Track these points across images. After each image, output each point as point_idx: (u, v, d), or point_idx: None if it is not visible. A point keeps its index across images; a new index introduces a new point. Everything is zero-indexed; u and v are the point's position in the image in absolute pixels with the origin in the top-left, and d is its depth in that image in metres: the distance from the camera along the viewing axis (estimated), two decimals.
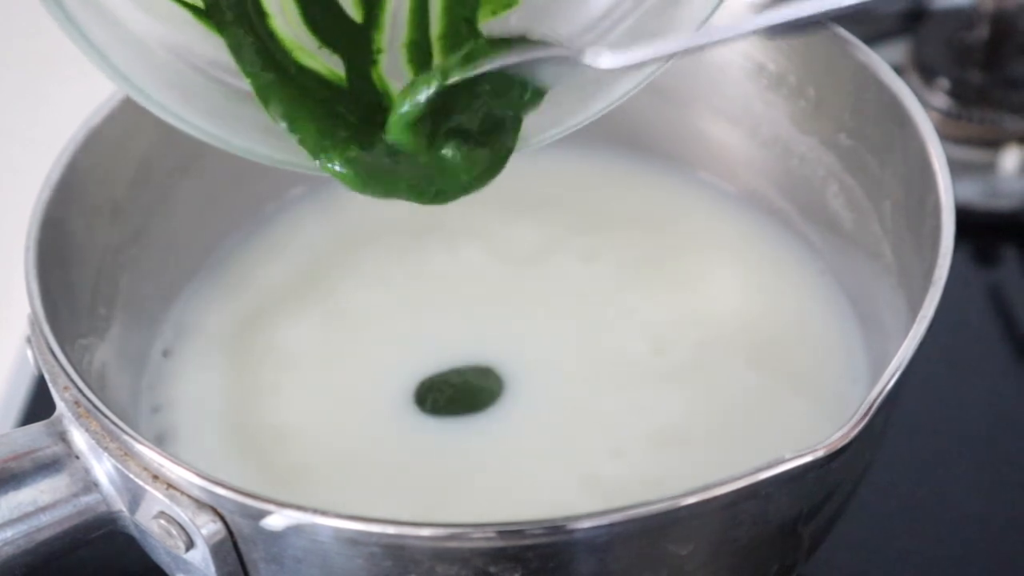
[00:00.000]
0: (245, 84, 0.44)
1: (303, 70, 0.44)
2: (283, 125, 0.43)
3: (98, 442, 0.41)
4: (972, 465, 0.56)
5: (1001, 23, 0.68)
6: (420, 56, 0.46)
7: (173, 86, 0.42)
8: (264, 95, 0.43)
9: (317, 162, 0.44)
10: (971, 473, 0.56)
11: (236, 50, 0.43)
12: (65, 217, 0.47)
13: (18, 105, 0.78)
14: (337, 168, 0.43)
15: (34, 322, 0.43)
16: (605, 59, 0.41)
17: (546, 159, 0.59)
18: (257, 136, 0.44)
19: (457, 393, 0.51)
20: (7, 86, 0.79)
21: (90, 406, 0.41)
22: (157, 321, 0.54)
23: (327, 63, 0.45)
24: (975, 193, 0.66)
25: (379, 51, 0.46)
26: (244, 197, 0.57)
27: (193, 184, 0.54)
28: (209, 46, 0.43)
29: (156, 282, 0.53)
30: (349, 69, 0.45)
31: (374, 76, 0.45)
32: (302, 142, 0.43)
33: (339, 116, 0.44)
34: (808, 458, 0.38)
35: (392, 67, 0.46)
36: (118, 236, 0.51)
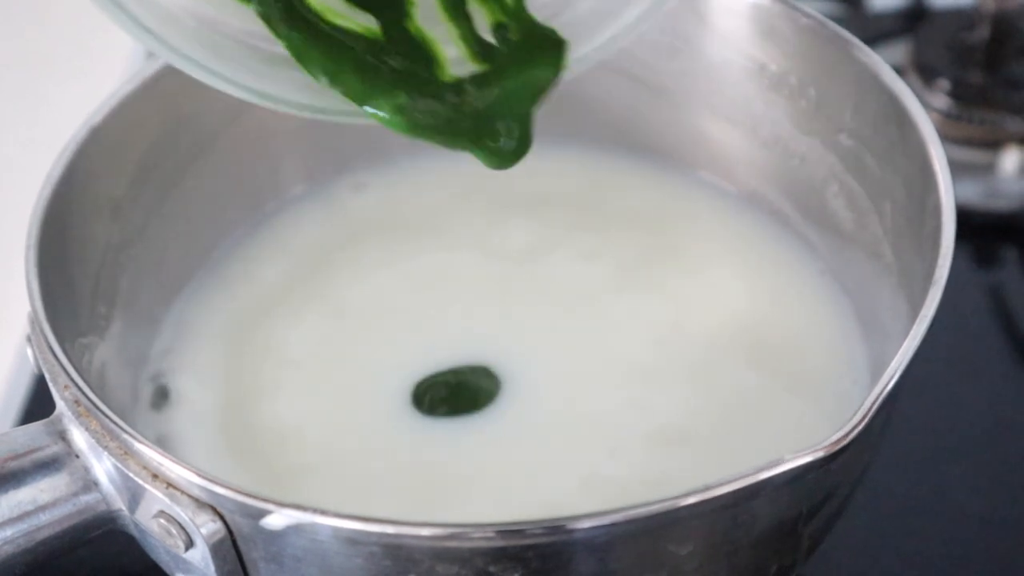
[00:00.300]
0: (280, 48, 0.43)
1: (337, 28, 0.44)
2: (324, 80, 0.43)
3: (98, 441, 0.41)
4: (972, 465, 0.56)
5: (1002, 24, 0.68)
6: (454, 3, 0.46)
7: (213, 53, 0.42)
8: (300, 55, 0.43)
9: (364, 110, 0.43)
10: (971, 473, 0.56)
11: (266, 17, 0.43)
12: (65, 216, 0.47)
13: (18, 105, 0.78)
14: (385, 115, 0.43)
15: (34, 321, 0.43)
16: None
17: (546, 158, 0.59)
18: (301, 92, 0.44)
19: (455, 393, 0.51)
20: (7, 86, 0.79)
21: (90, 405, 0.41)
22: (157, 320, 0.54)
23: (360, 21, 0.45)
24: (975, 194, 0.66)
25: (412, 4, 0.45)
26: (244, 197, 0.57)
27: (193, 184, 0.54)
28: (238, 18, 0.43)
29: (156, 281, 0.53)
30: (384, 25, 0.45)
31: (411, 28, 0.45)
32: (347, 94, 0.43)
33: (381, 64, 0.44)
34: (808, 458, 0.38)
35: (427, 16, 0.46)
36: (118, 235, 0.51)
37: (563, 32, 0.46)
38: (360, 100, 0.43)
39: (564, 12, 0.47)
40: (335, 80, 0.43)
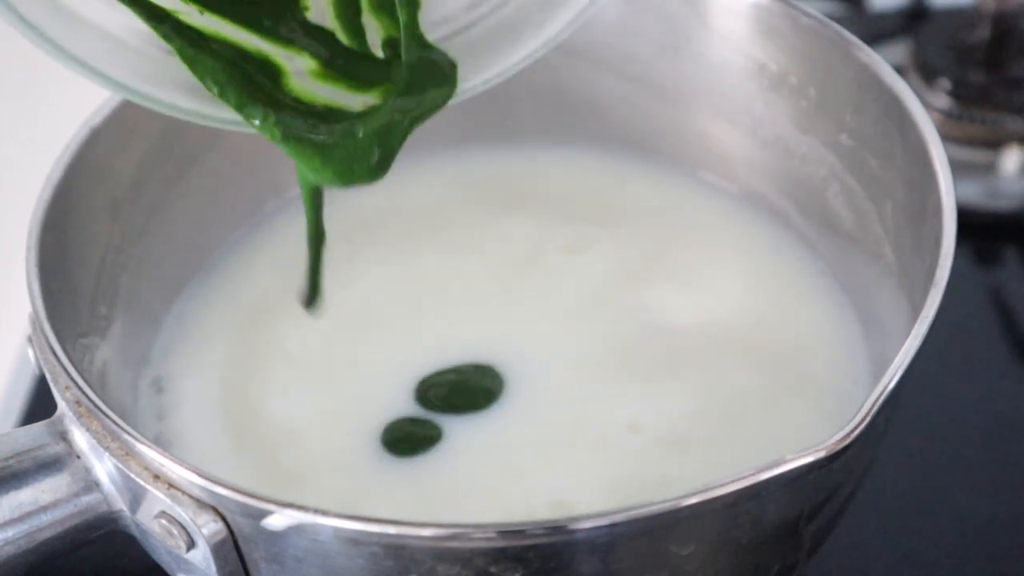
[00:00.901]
0: (160, 51, 0.43)
1: (227, 45, 0.43)
2: (215, 90, 0.42)
3: (99, 442, 0.41)
4: (972, 465, 0.56)
5: (1002, 23, 0.68)
6: (348, 14, 0.45)
7: (95, 49, 0.41)
8: (193, 65, 0.42)
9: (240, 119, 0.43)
10: (971, 473, 0.56)
11: (165, 36, 0.42)
12: (66, 217, 0.47)
13: (18, 105, 0.78)
14: (258, 124, 0.43)
15: (35, 321, 0.43)
16: None
17: (545, 158, 0.59)
18: (182, 96, 0.43)
19: (457, 391, 0.51)
20: (7, 86, 0.79)
21: (91, 406, 0.41)
22: (158, 320, 0.54)
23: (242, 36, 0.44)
24: (976, 194, 0.66)
25: (306, 8, 0.45)
26: (244, 196, 0.57)
27: (193, 184, 0.54)
28: (122, 14, 0.42)
29: (156, 281, 0.53)
30: (270, 27, 0.44)
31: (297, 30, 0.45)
32: (229, 104, 0.43)
33: (253, 76, 0.43)
34: (809, 458, 0.38)
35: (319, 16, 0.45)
36: (118, 235, 0.51)
37: (455, 53, 0.45)
38: (238, 109, 0.43)
39: (459, 35, 0.46)
40: (224, 92, 0.43)
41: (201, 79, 0.42)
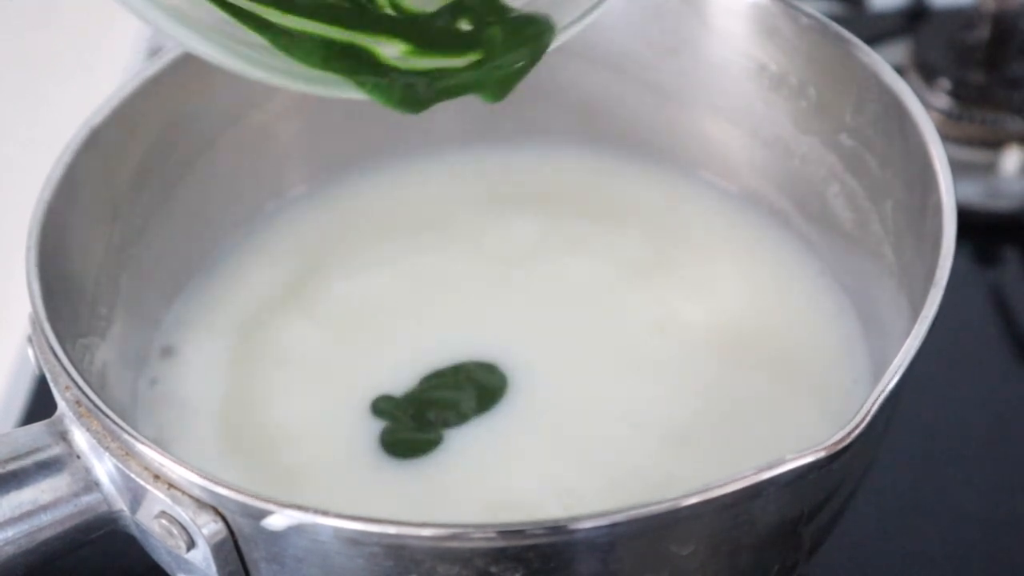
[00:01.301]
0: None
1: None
2: (318, 64, 0.43)
3: (99, 442, 0.41)
4: (972, 465, 0.56)
5: (1002, 23, 0.68)
6: None
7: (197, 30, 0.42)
8: (291, 53, 0.43)
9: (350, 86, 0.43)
10: (971, 473, 0.56)
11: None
12: (66, 217, 0.47)
13: (18, 105, 0.78)
14: (368, 91, 0.43)
15: (35, 321, 0.43)
16: None
17: (546, 158, 0.59)
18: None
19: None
20: (7, 86, 0.79)
21: (91, 406, 0.41)
22: (157, 320, 0.54)
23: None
24: (976, 194, 0.66)
25: (382, 6, 0.45)
26: (244, 197, 0.57)
27: (193, 184, 0.54)
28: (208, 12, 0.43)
29: (156, 282, 0.53)
30: (354, 23, 0.45)
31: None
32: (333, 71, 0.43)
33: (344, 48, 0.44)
34: (809, 458, 0.38)
35: None
36: (118, 236, 0.51)
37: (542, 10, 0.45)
38: (349, 76, 0.43)
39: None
40: (329, 65, 0.43)
41: (303, 61, 0.43)
